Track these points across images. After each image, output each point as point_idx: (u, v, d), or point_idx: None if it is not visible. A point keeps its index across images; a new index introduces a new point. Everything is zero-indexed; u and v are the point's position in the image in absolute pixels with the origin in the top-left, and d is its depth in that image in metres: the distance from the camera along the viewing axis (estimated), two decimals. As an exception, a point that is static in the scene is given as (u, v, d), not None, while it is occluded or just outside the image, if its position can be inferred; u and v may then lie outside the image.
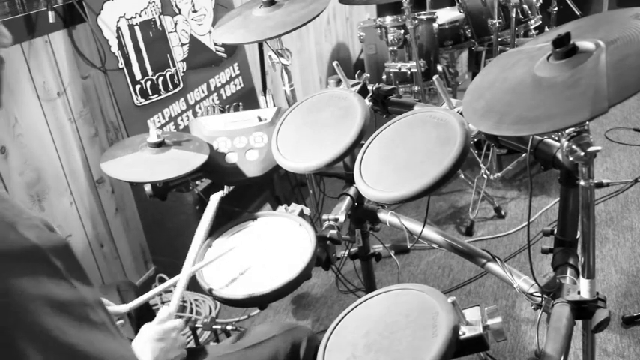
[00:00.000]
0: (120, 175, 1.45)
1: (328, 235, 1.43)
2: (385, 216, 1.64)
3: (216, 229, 1.46)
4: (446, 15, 3.15)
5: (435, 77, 1.40)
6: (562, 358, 1.06)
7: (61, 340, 0.60)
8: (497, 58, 1.23)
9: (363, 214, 1.72)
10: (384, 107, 1.65)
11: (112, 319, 0.69)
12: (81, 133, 2.14)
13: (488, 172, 2.73)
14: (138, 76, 2.24)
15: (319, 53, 3.81)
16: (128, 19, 2.19)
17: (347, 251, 1.75)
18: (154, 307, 1.69)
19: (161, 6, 2.33)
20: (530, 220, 2.62)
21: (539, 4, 2.95)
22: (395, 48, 2.96)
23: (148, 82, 2.28)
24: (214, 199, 1.38)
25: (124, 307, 1.21)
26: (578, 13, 2.96)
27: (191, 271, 1.27)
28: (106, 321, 0.67)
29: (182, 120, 2.45)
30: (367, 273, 1.93)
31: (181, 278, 1.24)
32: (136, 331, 1.14)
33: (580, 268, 1.14)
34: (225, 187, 1.82)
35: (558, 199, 1.34)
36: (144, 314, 1.35)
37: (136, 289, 1.48)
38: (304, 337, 1.26)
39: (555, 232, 1.31)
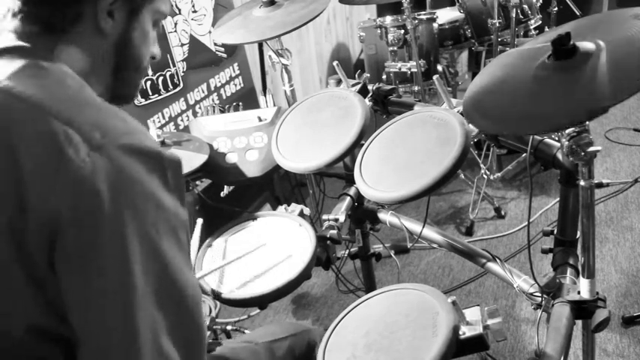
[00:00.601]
0: (120, 175, 1.44)
1: (328, 235, 1.43)
2: (385, 216, 1.64)
3: (217, 229, 1.46)
4: (446, 15, 3.15)
5: (435, 77, 1.40)
6: (562, 358, 1.06)
7: (156, 242, 0.68)
8: (497, 58, 1.23)
9: (363, 214, 1.72)
10: (384, 107, 1.65)
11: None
12: (81, 133, 2.14)
13: (488, 172, 2.73)
14: (138, 76, 2.24)
15: (319, 53, 3.81)
16: (128, 19, 2.19)
17: (347, 251, 1.75)
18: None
19: (161, 6, 2.33)
20: (530, 220, 2.62)
21: (539, 4, 2.95)
22: (395, 48, 2.96)
23: (148, 82, 2.28)
24: (199, 223, 1.39)
25: None
26: (578, 13, 2.96)
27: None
28: (187, 246, 0.75)
29: (182, 120, 2.45)
30: (367, 273, 1.93)
31: None
32: None
33: (580, 268, 1.14)
34: (225, 187, 1.82)
35: (558, 199, 1.34)
36: None
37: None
38: (319, 340, 1.26)
39: (555, 232, 1.31)
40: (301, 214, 1.46)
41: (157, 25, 0.88)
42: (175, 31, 2.42)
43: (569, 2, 2.99)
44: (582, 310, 1.14)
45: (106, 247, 0.65)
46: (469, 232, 2.64)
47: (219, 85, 2.66)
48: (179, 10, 2.44)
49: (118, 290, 0.66)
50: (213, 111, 1.77)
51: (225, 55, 2.70)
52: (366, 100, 1.60)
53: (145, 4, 0.82)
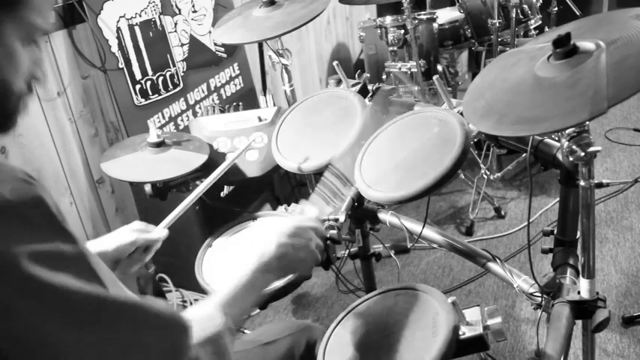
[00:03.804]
0: (120, 175, 1.45)
1: (328, 235, 1.43)
2: (385, 216, 1.64)
3: (217, 229, 1.46)
4: (446, 15, 3.15)
5: (435, 77, 1.40)
6: (562, 358, 1.06)
7: (47, 286, 0.60)
8: (497, 58, 1.23)
9: (363, 214, 1.72)
10: (384, 107, 1.65)
11: (99, 272, 0.67)
12: (81, 133, 2.14)
13: (488, 172, 2.73)
14: (138, 76, 2.24)
15: (319, 53, 3.81)
16: (128, 19, 2.19)
17: (347, 251, 1.75)
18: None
19: (161, 6, 2.33)
20: (530, 220, 2.62)
21: (539, 4, 2.95)
22: (395, 48, 2.96)
23: (148, 82, 2.28)
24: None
25: (163, 231, 1.21)
26: (578, 13, 2.96)
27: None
28: (93, 271, 0.66)
29: (182, 120, 2.45)
30: (367, 273, 1.93)
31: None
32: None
33: (580, 268, 1.14)
34: (225, 187, 1.82)
35: (558, 199, 1.34)
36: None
37: (154, 279, 1.47)
38: (319, 337, 1.25)
39: (555, 232, 1.31)
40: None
41: (31, 42, 0.72)
42: (175, 31, 2.42)
43: (569, 2, 2.99)
44: (582, 310, 1.14)
45: None
46: (469, 232, 2.64)
47: (219, 85, 2.66)
48: (179, 10, 2.44)
49: None
50: (213, 111, 1.77)
51: (225, 55, 2.70)
52: (366, 100, 1.60)
53: (5, 16, 0.67)
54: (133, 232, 1.16)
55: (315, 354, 1.22)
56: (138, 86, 2.24)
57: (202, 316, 0.83)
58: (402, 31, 2.89)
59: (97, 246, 1.13)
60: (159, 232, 1.21)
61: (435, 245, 1.54)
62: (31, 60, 0.73)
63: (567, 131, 1.03)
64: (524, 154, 2.65)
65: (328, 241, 1.42)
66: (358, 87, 1.60)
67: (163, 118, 2.35)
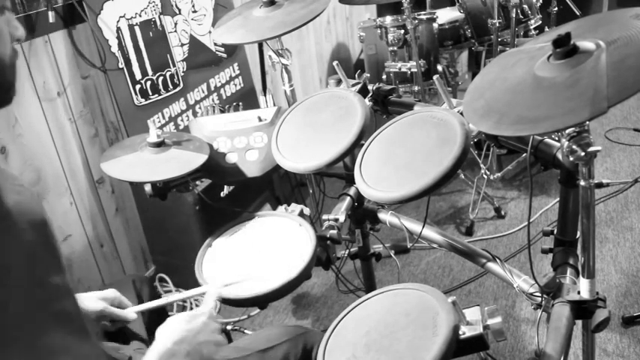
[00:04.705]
0: (120, 175, 1.45)
1: (328, 235, 1.43)
2: (385, 216, 1.64)
3: (217, 229, 1.46)
4: (446, 15, 3.15)
5: (435, 77, 1.40)
6: (562, 358, 1.06)
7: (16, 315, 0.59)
8: (497, 58, 1.23)
9: (363, 214, 1.72)
10: (384, 107, 1.65)
11: (79, 314, 0.67)
12: (81, 133, 2.14)
13: (488, 172, 2.73)
14: (138, 76, 2.24)
15: (319, 53, 3.81)
16: (128, 19, 2.19)
17: (347, 251, 1.75)
18: (169, 314, 1.67)
19: (161, 6, 2.33)
20: (530, 220, 2.62)
21: (539, 4, 2.95)
22: (395, 48, 2.96)
23: (148, 82, 2.28)
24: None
25: (132, 314, 1.19)
26: (578, 13, 2.96)
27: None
28: (72, 313, 0.65)
29: (182, 120, 2.45)
30: (367, 273, 1.93)
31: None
32: (147, 327, 1.17)
33: (580, 268, 1.14)
34: (225, 187, 1.82)
35: (558, 199, 1.34)
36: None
37: (150, 283, 1.46)
38: (316, 342, 1.25)
39: (555, 232, 1.31)
40: (301, 214, 1.46)
41: (3, 11, 0.72)
42: (175, 31, 2.42)
43: (569, 2, 2.99)
44: (582, 310, 1.14)
45: None
46: (469, 232, 2.64)
47: (219, 85, 2.66)
48: (179, 10, 2.44)
49: None
50: (213, 111, 1.77)
51: (225, 55, 2.70)
52: (366, 100, 1.60)
53: None
54: (99, 301, 1.14)
55: (312, 359, 1.22)
56: (138, 86, 2.24)
57: None
58: (402, 31, 2.89)
59: None
60: (130, 313, 1.19)
61: (435, 245, 1.54)
62: (9, 26, 0.73)
63: (567, 131, 1.03)
64: (524, 154, 2.65)
65: (328, 241, 1.42)
66: (358, 87, 1.60)
67: (163, 118, 2.35)
